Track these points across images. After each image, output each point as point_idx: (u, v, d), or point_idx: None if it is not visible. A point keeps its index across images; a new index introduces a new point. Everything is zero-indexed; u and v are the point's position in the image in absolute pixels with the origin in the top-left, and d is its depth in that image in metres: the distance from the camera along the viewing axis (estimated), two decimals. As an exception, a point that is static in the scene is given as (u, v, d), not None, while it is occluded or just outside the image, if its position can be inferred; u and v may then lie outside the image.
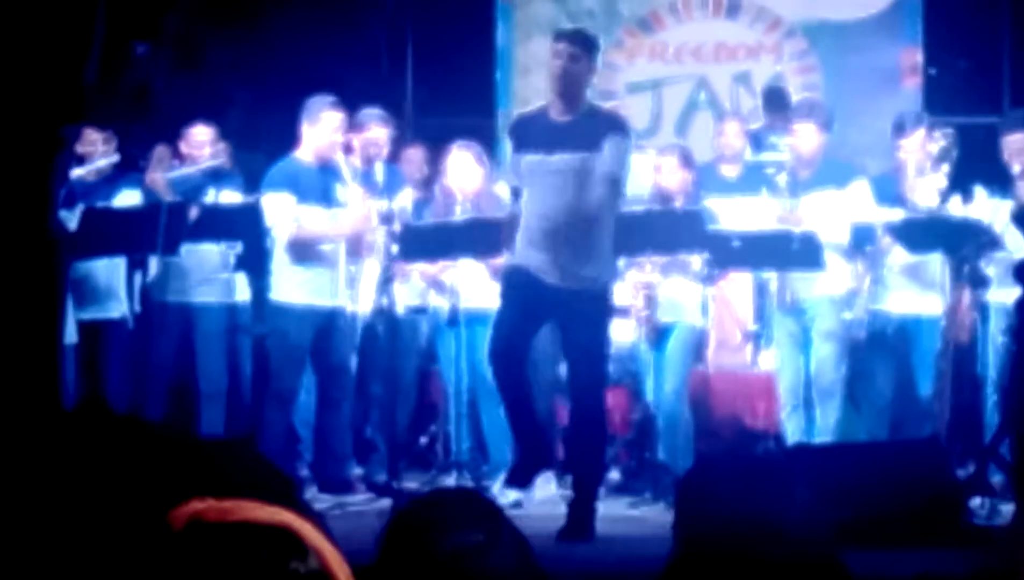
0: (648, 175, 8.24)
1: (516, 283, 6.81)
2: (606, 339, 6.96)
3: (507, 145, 7.01)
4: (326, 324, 7.85)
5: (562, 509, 6.87)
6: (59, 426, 1.73)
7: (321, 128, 7.84)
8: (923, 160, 7.73)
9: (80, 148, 8.27)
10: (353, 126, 8.12)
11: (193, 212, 7.90)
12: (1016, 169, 7.72)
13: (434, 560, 1.89)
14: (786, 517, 2.15)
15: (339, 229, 7.87)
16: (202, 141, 8.38)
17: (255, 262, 8.08)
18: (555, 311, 6.78)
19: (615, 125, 6.84)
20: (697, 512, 2.20)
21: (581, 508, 6.73)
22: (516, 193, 6.91)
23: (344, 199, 7.87)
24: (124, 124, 8.61)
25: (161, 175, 8.13)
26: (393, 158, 8.41)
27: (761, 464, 2.27)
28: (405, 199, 8.32)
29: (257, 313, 8.36)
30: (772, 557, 2.09)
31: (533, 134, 6.75)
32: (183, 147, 8.41)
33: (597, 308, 6.76)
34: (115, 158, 8.39)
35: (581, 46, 6.75)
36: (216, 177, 8.28)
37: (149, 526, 1.49)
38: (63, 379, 7.59)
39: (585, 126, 6.69)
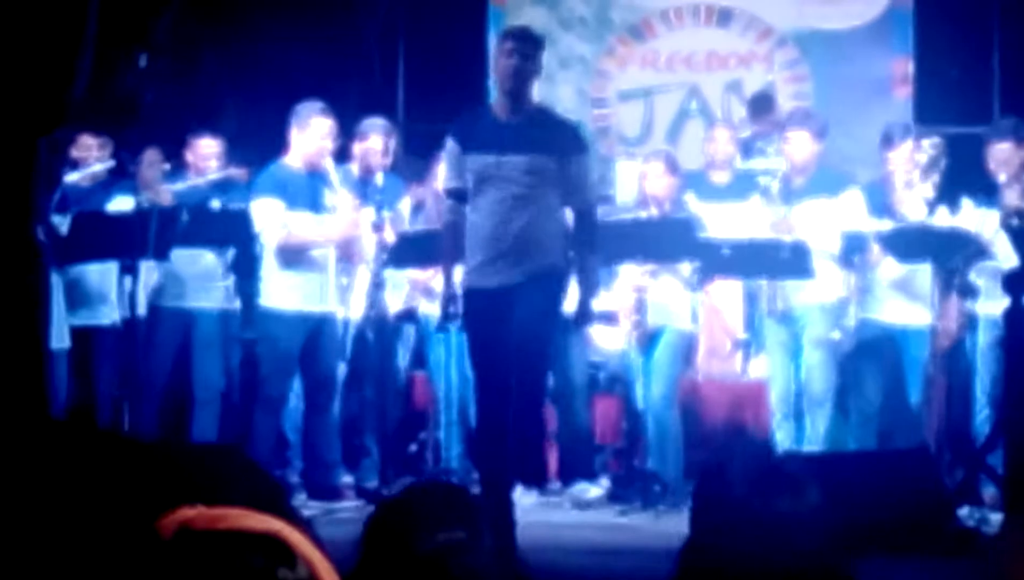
0: (636, 182, 8.25)
1: (478, 317, 6.60)
2: (557, 318, 6.71)
3: (447, 147, 6.73)
4: (316, 330, 7.84)
5: (548, 517, 6.81)
6: (46, 435, 1.74)
7: (310, 134, 7.83)
8: (911, 172, 7.74)
9: (75, 153, 8.24)
10: (354, 135, 8.12)
11: (184, 217, 7.87)
12: (1002, 178, 7.74)
13: (416, 558, 1.89)
14: (800, 522, 2.15)
15: (327, 235, 7.87)
16: (208, 153, 8.36)
17: (245, 267, 8.08)
18: (511, 307, 6.51)
19: (573, 138, 6.76)
20: (712, 515, 2.20)
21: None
22: (460, 195, 6.66)
23: (333, 205, 7.87)
24: (119, 130, 8.59)
25: (155, 179, 8.11)
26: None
27: (776, 469, 2.26)
28: (404, 207, 8.32)
29: (246, 318, 8.34)
30: (785, 563, 2.09)
31: (480, 135, 6.62)
32: (189, 157, 8.40)
33: (548, 287, 6.55)
34: (110, 164, 8.35)
35: (532, 44, 6.72)
36: (223, 189, 8.24)
37: (138, 534, 1.49)
38: (56, 385, 7.58)
39: (535, 126, 6.62)
